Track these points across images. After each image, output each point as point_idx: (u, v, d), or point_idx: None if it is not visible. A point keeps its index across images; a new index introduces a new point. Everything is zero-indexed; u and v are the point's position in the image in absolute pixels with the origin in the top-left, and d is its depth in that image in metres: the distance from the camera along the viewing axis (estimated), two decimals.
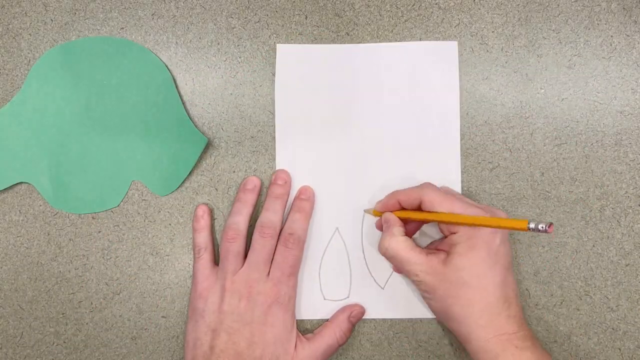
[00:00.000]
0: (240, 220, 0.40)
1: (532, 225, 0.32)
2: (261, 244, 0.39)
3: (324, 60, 0.43)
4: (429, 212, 0.37)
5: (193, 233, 0.42)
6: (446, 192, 0.39)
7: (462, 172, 0.42)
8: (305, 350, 0.38)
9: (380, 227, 0.41)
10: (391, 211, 0.40)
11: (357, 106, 0.42)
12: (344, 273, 0.42)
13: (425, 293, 0.38)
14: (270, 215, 0.40)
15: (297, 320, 0.40)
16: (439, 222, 0.38)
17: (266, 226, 0.39)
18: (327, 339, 0.39)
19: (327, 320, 0.41)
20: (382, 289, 0.42)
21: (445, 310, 0.36)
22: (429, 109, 0.42)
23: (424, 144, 0.42)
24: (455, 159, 0.42)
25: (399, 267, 0.39)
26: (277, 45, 0.43)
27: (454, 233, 0.37)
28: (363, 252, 0.42)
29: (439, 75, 0.42)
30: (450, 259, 0.36)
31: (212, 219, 0.42)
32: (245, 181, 0.42)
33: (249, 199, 0.41)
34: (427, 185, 0.39)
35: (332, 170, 0.42)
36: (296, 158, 0.42)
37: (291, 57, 0.43)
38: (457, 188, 0.42)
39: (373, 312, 0.42)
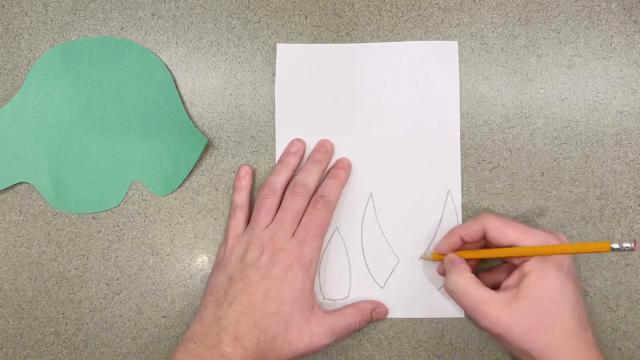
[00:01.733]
0: (278, 180, 0.40)
1: (615, 246, 0.30)
2: (291, 202, 0.39)
3: (324, 60, 0.43)
4: (498, 248, 0.36)
5: (233, 191, 0.42)
6: (506, 219, 0.37)
7: (462, 172, 0.42)
8: (323, 320, 0.38)
9: (443, 272, 0.40)
10: (454, 251, 0.38)
11: (357, 106, 0.42)
12: (344, 273, 0.42)
13: (501, 335, 0.34)
14: (305, 177, 0.40)
15: None
16: (514, 257, 0.36)
17: (298, 186, 0.39)
18: (348, 318, 0.39)
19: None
20: (382, 288, 0.42)
21: (525, 347, 0.33)
22: (429, 108, 0.42)
23: (425, 143, 0.42)
24: (455, 158, 0.42)
25: (468, 308, 0.35)
26: (277, 45, 0.43)
27: (525, 262, 0.35)
28: (363, 251, 0.42)
29: (440, 75, 0.42)
30: (525, 290, 0.34)
31: (254, 180, 0.43)
32: (290, 143, 0.42)
33: (290, 162, 0.41)
34: (486, 215, 0.37)
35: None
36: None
37: (291, 56, 0.43)
38: (457, 187, 0.42)
39: None
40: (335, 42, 0.43)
